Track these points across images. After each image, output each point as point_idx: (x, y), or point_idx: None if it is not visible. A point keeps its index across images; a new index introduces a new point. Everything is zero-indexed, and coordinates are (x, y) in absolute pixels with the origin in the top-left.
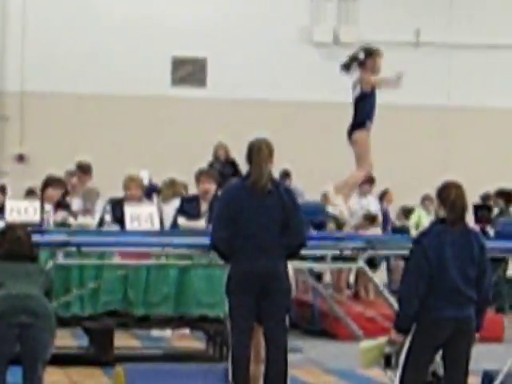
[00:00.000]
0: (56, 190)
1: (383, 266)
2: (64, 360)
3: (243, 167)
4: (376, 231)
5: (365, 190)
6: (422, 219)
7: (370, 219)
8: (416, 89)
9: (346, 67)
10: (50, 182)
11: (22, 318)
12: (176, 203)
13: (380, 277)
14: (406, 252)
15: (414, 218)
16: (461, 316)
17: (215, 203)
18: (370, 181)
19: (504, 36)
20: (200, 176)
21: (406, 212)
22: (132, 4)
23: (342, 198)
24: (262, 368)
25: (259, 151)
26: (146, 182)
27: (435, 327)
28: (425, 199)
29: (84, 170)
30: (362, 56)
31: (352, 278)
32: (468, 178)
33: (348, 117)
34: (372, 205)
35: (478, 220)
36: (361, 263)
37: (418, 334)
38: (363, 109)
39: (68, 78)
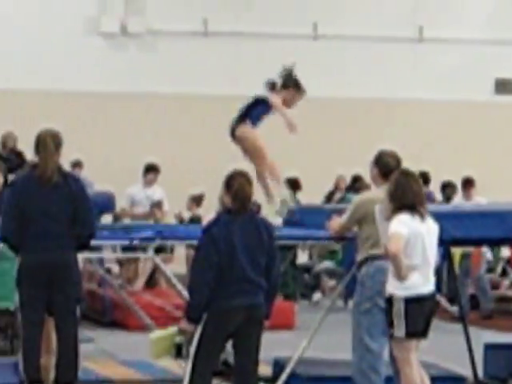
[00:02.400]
0: None
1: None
2: None
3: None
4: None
5: (149, 179)
6: None
7: (157, 206)
8: (206, 79)
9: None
10: None
11: None
12: None
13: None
14: (196, 242)
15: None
16: (250, 304)
17: (2, 195)
18: (154, 170)
19: (290, 25)
20: None
21: (197, 200)
22: None
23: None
24: (54, 359)
25: (45, 142)
26: None
27: (225, 316)
28: None
29: None
30: (290, 83)
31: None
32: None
33: (133, 108)
34: (157, 193)
35: None
36: (150, 253)
37: (209, 323)
38: (256, 111)
39: None
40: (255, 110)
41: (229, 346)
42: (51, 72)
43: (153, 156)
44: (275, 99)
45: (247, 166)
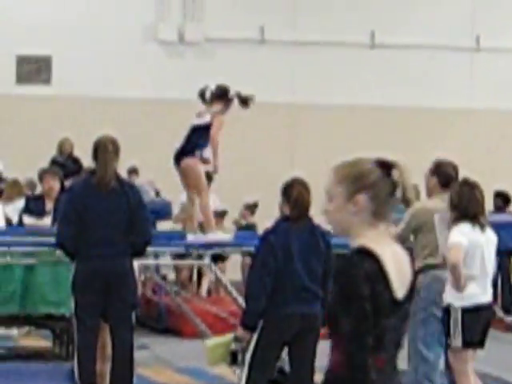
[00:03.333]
0: None
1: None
2: None
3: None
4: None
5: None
6: None
7: (219, 215)
8: (260, 86)
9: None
10: None
11: None
12: (19, 203)
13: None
14: (252, 249)
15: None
16: (307, 312)
17: (60, 201)
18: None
19: (349, 33)
20: (44, 174)
21: (252, 208)
22: None
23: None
24: (109, 366)
25: (104, 148)
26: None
27: (282, 324)
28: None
29: None
30: (234, 98)
31: (195, 276)
32: (314, 174)
33: (190, 115)
34: (215, 202)
35: None
36: (207, 260)
37: (265, 331)
38: (200, 138)
39: None
40: (201, 138)
41: (284, 353)
42: (110, 79)
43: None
44: (220, 119)
45: (304, 175)
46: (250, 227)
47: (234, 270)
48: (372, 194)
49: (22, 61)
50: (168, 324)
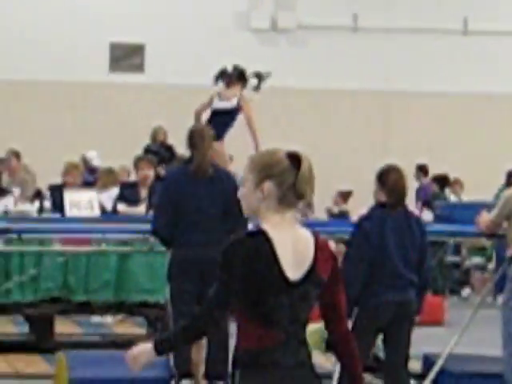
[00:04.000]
0: None
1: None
2: (4, 347)
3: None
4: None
5: None
6: None
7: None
8: (353, 73)
9: (221, 76)
10: None
11: None
12: (114, 191)
13: None
14: (346, 236)
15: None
16: (402, 299)
17: (154, 189)
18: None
19: (442, 20)
20: (138, 162)
21: (345, 196)
22: None
23: None
24: (204, 353)
25: (201, 137)
26: (95, 162)
27: (377, 311)
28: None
29: (18, 156)
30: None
31: None
32: (407, 161)
33: (288, 102)
34: None
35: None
36: None
37: (360, 318)
38: (226, 122)
39: (4, 64)
40: (225, 122)
41: (379, 340)
42: (202, 67)
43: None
44: (247, 103)
45: (397, 162)
46: (343, 214)
47: None
48: (278, 182)
49: (115, 48)
50: None
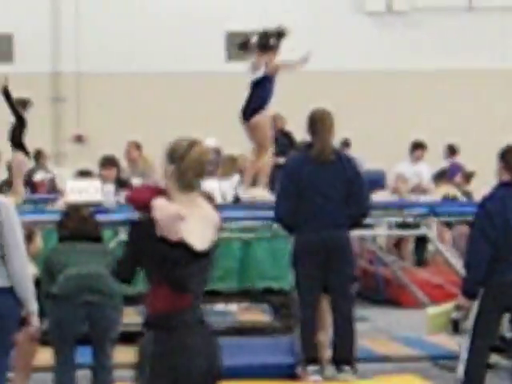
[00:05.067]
0: (108, 170)
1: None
2: (131, 337)
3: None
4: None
5: (417, 155)
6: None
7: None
8: (470, 53)
9: (244, 46)
10: (102, 163)
11: (90, 297)
12: (235, 179)
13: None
14: (468, 218)
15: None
16: None
17: (275, 175)
18: (422, 147)
19: None
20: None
21: (468, 176)
22: None
23: (263, 188)
24: (328, 335)
25: (323, 122)
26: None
27: (502, 290)
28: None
29: (139, 147)
30: (273, 41)
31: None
32: None
33: (404, 85)
34: (425, 171)
35: None
36: (424, 230)
37: (486, 299)
38: (262, 92)
39: (122, 57)
40: (263, 92)
41: (505, 320)
42: (319, 51)
43: (420, 133)
44: (273, 65)
45: None
46: (466, 195)
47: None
48: (178, 166)
49: (231, 37)
50: (386, 295)
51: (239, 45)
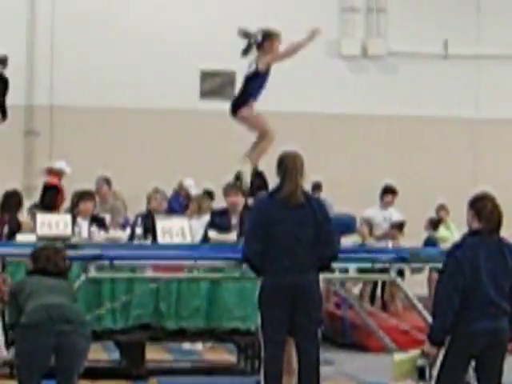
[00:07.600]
0: (87, 203)
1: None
2: (95, 373)
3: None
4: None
5: (386, 201)
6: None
7: (397, 227)
8: (444, 101)
9: (245, 51)
10: (81, 196)
11: (61, 326)
12: (205, 218)
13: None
14: (437, 264)
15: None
16: (495, 328)
17: (245, 216)
18: (392, 192)
19: None
20: (227, 190)
21: (434, 223)
22: (159, 18)
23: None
24: (294, 380)
25: (292, 164)
26: (193, 191)
27: (470, 339)
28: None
29: (109, 183)
30: (259, 38)
31: (379, 290)
32: (497, 189)
33: (378, 129)
34: (394, 216)
35: None
36: (393, 275)
37: (453, 347)
38: (252, 87)
39: (97, 91)
40: (252, 87)
41: (470, 368)
42: (293, 94)
43: (389, 178)
44: (262, 60)
45: (489, 190)
46: (434, 241)
47: (420, 284)
48: None
49: (205, 76)
50: (353, 339)
51: (243, 50)
